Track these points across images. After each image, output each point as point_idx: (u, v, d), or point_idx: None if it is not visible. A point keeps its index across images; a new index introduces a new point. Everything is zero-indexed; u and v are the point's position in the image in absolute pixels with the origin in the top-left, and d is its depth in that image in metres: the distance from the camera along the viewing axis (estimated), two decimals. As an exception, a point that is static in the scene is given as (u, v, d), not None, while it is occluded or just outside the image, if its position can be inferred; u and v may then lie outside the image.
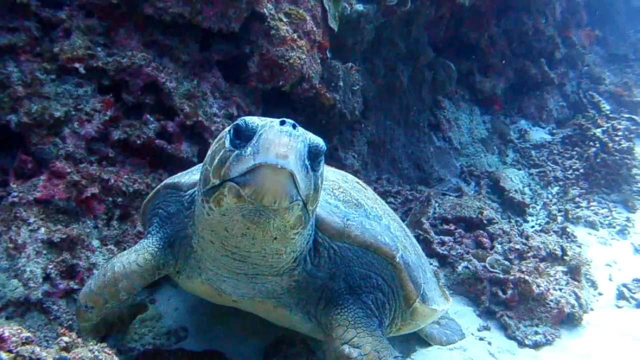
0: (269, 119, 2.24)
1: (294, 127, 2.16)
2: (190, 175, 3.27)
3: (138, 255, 3.14)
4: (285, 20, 5.07)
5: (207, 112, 4.68)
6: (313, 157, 2.29)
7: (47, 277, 3.71)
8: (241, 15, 4.72)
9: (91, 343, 2.31)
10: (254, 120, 2.25)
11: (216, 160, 2.30)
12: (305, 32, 5.22)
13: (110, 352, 2.30)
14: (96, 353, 2.22)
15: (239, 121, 2.27)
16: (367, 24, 6.44)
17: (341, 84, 6.01)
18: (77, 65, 4.09)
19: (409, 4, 6.73)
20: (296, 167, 2.15)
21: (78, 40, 4.11)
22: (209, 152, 2.46)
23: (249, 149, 2.16)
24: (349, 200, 3.23)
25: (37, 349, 2.06)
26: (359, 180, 3.94)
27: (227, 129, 2.38)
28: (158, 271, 3.17)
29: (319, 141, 2.33)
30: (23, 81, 3.92)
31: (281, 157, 2.09)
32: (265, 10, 4.87)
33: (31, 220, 3.75)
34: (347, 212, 3.11)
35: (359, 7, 6.20)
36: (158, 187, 3.45)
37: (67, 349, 2.19)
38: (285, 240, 2.51)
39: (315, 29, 5.37)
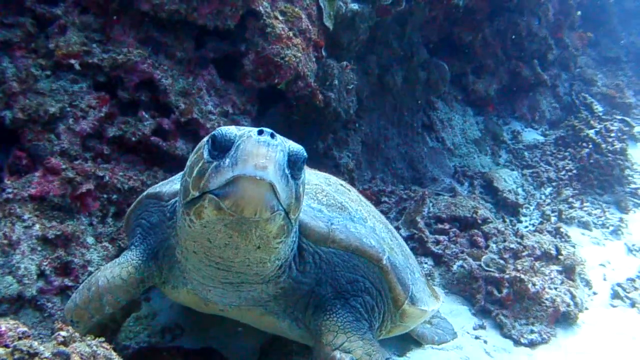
0: (247, 129, 2.20)
1: (272, 136, 2.12)
2: (172, 185, 3.22)
3: (122, 268, 3.07)
4: (280, 18, 5.06)
5: (203, 110, 4.67)
6: (293, 165, 2.25)
7: (41, 274, 3.69)
8: (237, 13, 4.71)
9: (89, 338, 2.29)
10: (231, 131, 2.20)
11: (195, 172, 2.25)
12: (300, 31, 5.22)
13: (108, 347, 2.28)
14: (94, 347, 2.20)
15: (216, 132, 2.22)
16: (362, 23, 6.43)
17: (336, 82, 6.01)
18: (72, 61, 4.08)
19: (404, 4, 6.73)
20: (275, 177, 2.10)
21: (73, 36, 4.10)
22: (188, 162, 2.41)
23: (227, 160, 2.12)
24: (333, 204, 3.19)
25: (35, 343, 2.04)
26: (342, 182, 3.89)
27: (204, 139, 2.34)
28: (142, 284, 3.11)
29: (298, 149, 2.28)
30: (18, 77, 3.90)
31: (260, 168, 2.05)
32: (261, 8, 4.86)
33: (26, 216, 3.73)
34: (331, 216, 3.07)
35: (354, 6, 6.19)
36: (140, 197, 3.41)
37: (65, 343, 2.16)
38: (269, 249, 2.47)
39: (310, 27, 5.36)
